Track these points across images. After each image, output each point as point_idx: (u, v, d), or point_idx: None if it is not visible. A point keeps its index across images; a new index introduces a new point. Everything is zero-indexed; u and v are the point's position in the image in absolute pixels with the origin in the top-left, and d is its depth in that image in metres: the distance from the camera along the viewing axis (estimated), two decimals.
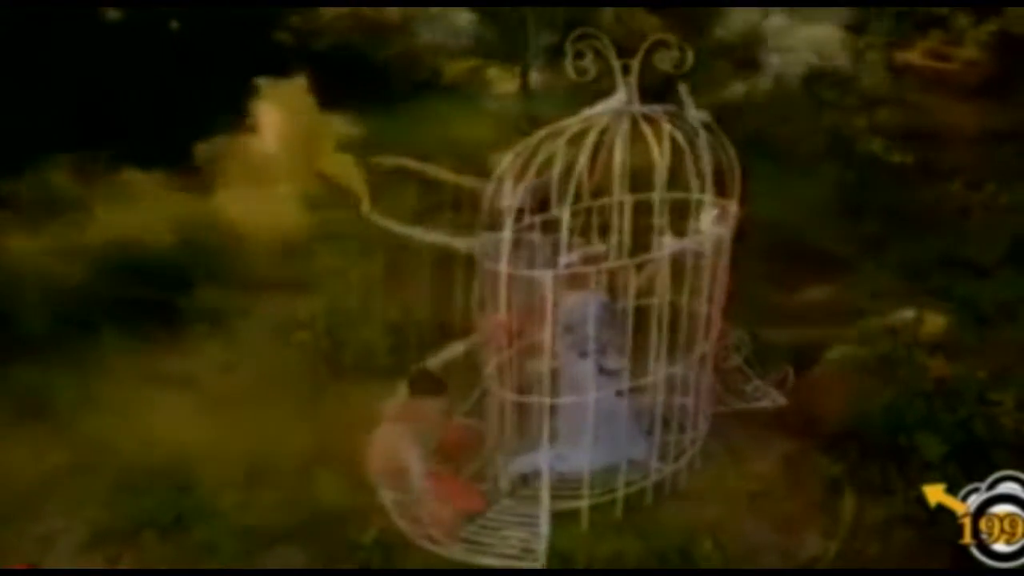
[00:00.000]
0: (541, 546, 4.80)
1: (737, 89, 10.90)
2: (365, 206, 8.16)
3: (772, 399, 6.06)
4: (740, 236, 5.40)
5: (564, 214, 4.89)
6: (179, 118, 9.19)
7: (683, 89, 5.15)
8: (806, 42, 11.29)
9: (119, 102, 9.43)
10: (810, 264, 7.76)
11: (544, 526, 4.88)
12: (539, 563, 4.73)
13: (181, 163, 8.87)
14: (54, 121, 8.79)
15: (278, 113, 9.26)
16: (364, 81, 10.54)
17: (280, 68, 9.69)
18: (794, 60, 11.19)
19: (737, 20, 11.51)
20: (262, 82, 9.35)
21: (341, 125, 9.83)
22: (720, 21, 11.46)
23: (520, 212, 5.06)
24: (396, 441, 5.04)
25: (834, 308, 7.23)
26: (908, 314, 6.77)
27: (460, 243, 6.54)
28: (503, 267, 4.81)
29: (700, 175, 5.11)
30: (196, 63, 9.87)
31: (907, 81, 11.23)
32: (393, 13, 11.61)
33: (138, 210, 8.10)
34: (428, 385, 5.25)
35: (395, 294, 6.91)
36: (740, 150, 5.24)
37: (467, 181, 8.03)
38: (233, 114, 9.21)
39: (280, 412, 5.83)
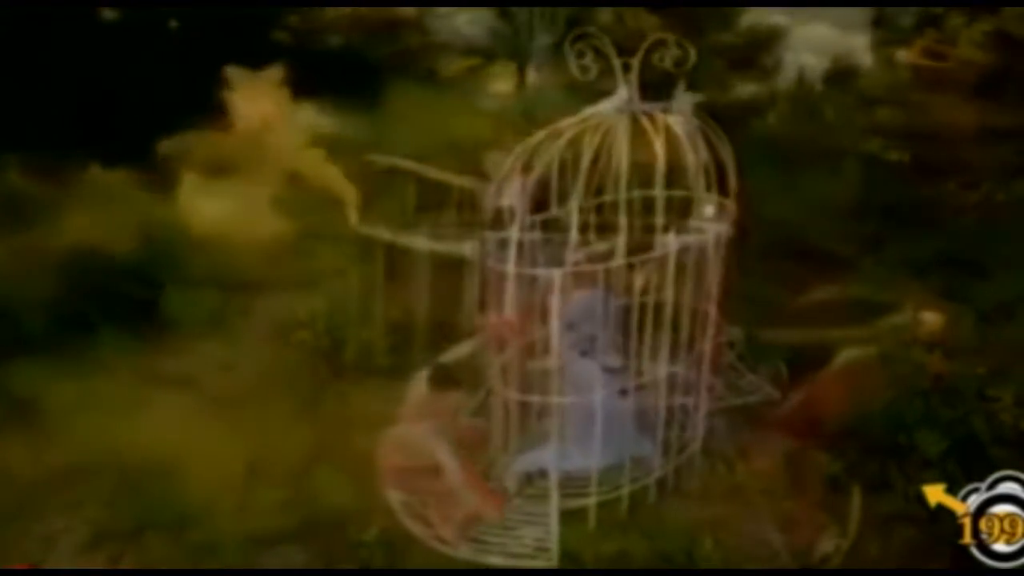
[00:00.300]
0: (554, 544, 4.80)
1: (737, 89, 10.89)
2: (353, 217, 8.11)
3: (766, 394, 6.09)
4: (742, 235, 5.41)
5: (573, 213, 4.89)
6: (162, 117, 9.11)
7: (679, 84, 5.17)
8: (807, 42, 11.29)
9: (107, 102, 9.36)
10: (811, 263, 7.77)
11: (554, 524, 4.88)
12: (552, 562, 4.74)
13: (152, 162, 8.80)
14: (26, 121, 8.71)
15: (249, 105, 9.12)
16: (360, 79, 10.49)
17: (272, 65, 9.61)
18: (795, 60, 11.18)
19: (737, 20, 11.50)
20: (233, 73, 9.21)
21: (333, 123, 9.77)
22: (720, 21, 11.44)
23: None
24: (421, 440, 5.06)
25: (835, 307, 7.23)
26: (907, 312, 6.79)
27: (454, 247, 6.54)
28: (510, 266, 4.81)
29: (699, 171, 5.12)
30: (188, 62, 9.81)
31: (906, 80, 11.23)
32: (394, 11, 11.57)
33: (110, 211, 8.03)
34: (447, 379, 5.31)
35: (395, 294, 6.90)
36: (741, 150, 5.24)
37: (462, 181, 8.01)
38: (214, 111, 9.13)
39: (280, 412, 5.83)
